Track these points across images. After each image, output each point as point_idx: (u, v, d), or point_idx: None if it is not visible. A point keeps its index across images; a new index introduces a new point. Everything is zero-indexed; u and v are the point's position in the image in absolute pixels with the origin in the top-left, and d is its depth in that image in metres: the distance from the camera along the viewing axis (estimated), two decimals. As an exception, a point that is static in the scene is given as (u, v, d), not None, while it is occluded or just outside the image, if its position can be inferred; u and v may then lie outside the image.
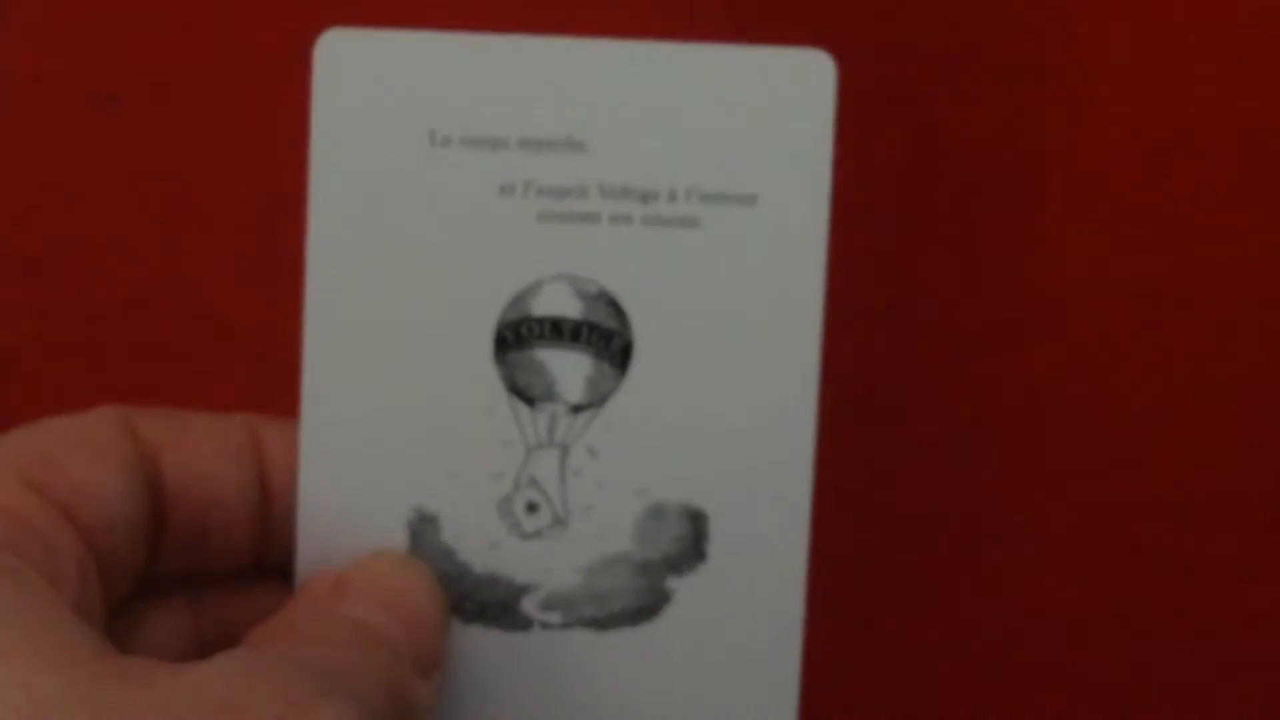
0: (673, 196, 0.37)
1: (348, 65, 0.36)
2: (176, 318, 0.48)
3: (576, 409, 0.37)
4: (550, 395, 0.37)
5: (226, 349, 0.47)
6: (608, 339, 0.37)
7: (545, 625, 0.38)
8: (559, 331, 0.37)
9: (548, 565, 0.38)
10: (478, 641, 0.38)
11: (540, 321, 0.37)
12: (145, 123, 0.47)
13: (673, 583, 0.38)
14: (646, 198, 0.37)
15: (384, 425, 0.37)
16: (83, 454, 0.35)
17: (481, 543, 0.37)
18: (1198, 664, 0.50)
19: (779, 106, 0.37)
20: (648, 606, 0.38)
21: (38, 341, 0.48)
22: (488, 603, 0.38)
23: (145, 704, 0.29)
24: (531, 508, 0.37)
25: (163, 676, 0.30)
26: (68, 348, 0.48)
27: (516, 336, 0.37)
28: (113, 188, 0.47)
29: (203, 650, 0.36)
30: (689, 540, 0.38)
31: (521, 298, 0.37)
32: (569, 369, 0.37)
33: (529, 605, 0.38)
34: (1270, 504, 0.49)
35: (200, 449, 0.36)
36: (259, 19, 0.47)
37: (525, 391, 0.37)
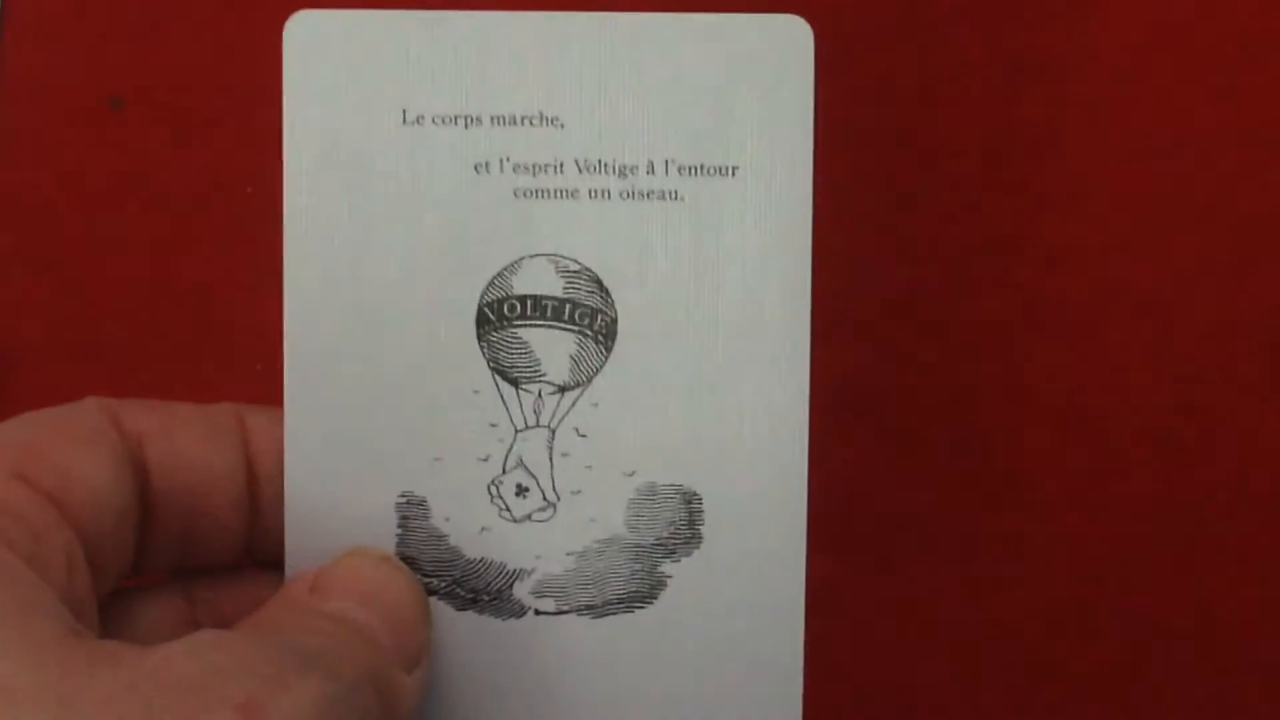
0: (651, 169, 0.36)
1: (317, 46, 0.36)
2: (177, 318, 0.48)
3: (562, 389, 0.37)
4: (535, 375, 0.37)
5: (228, 349, 0.47)
6: (591, 317, 0.36)
7: (539, 612, 0.37)
8: (541, 310, 0.36)
9: (539, 550, 0.37)
10: (472, 629, 0.37)
11: (522, 300, 0.36)
12: (149, 125, 0.47)
13: (668, 567, 0.37)
14: (624, 171, 0.36)
15: (368, 409, 0.36)
16: (68, 443, 0.35)
17: (471, 527, 0.37)
18: (1198, 664, 0.49)
19: (756, 74, 0.36)
20: (643, 592, 0.37)
21: (39, 341, 0.48)
22: (480, 589, 0.37)
23: (111, 685, 0.29)
24: (521, 491, 0.37)
25: (130, 657, 0.29)
26: (69, 348, 0.48)
27: (498, 316, 0.36)
28: (116, 190, 0.48)
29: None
30: (683, 523, 0.37)
31: (502, 276, 0.36)
32: (553, 348, 0.37)
33: (522, 591, 0.37)
34: (1270, 504, 0.48)
35: (185, 436, 0.36)
36: (261, 22, 0.47)
37: (509, 372, 0.37)
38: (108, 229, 0.48)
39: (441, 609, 0.37)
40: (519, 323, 0.36)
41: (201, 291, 0.48)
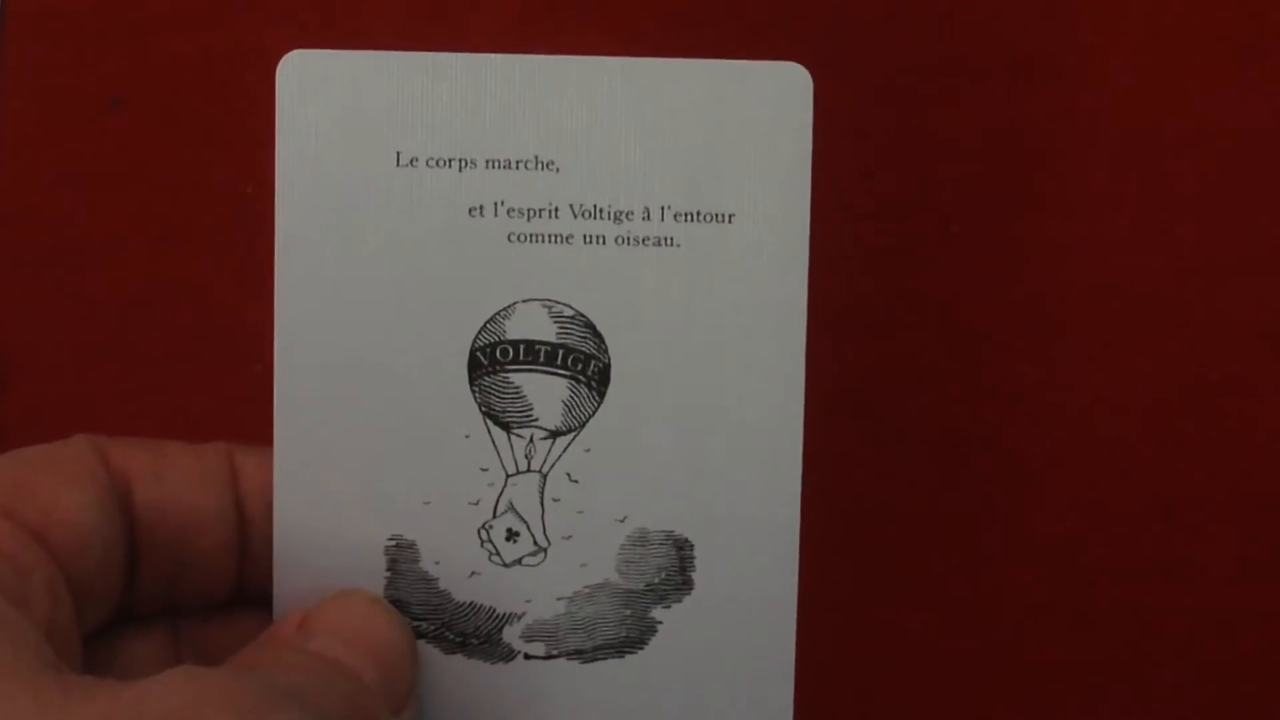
0: (647, 215, 0.36)
1: (310, 87, 0.35)
2: (177, 318, 0.47)
3: (554, 434, 0.36)
4: (527, 420, 0.36)
5: (227, 349, 0.47)
6: (584, 362, 0.36)
7: (529, 656, 0.37)
8: (534, 355, 0.36)
9: (529, 594, 0.37)
10: (461, 673, 0.37)
11: (514, 345, 0.36)
12: (149, 125, 0.47)
13: (659, 613, 0.37)
14: (620, 217, 0.36)
15: (359, 451, 0.36)
16: (54, 479, 0.35)
17: (461, 571, 0.37)
18: (1197, 664, 0.49)
19: (755, 121, 0.35)
20: (633, 638, 0.37)
21: (38, 342, 0.48)
22: (469, 633, 0.37)
23: (86, 718, 0.28)
24: (511, 536, 0.36)
25: (106, 691, 0.29)
26: (69, 348, 0.48)
27: (491, 360, 0.36)
28: (117, 190, 0.47)
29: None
30: (674, 569, 0.37)
31: (495, 321, 0.36)
32: (546, 393, 0.36)
33: (511, 635, 0.37)
34: (1270, 504, 0.48)
35: (174, 476, 0.36)
36: (263, 22, 0.47)
37: (501, 417, 0.36)
38: (107, 229, 0.47)
39: (430, 652, 0.37)
40: (511, 367, 0.36)
41: (201, 291, 0.48)
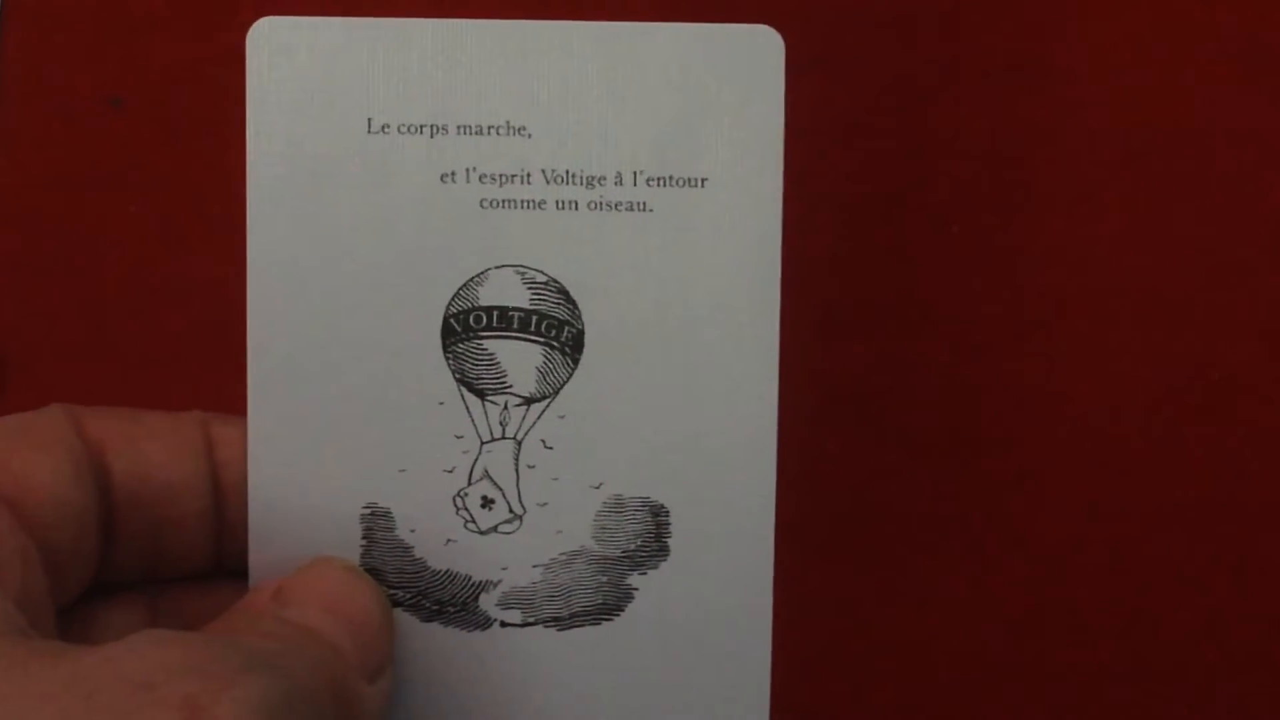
0: (619, 180, 0.36)
1: (281, 54, 0.36)
2: (177, 318, 0.47)
3: (528, 401, 0.36)
4: (501, 387, 0.36)
5: (227, 349, 0.47)
6: (558, 328, 0.36)
7: (505, 624, 0.37)
8: (507, 321, 0.36)
9: (505, 562, 0.37)
10: (437, 640, 0.37)
11: (488, 311, 0.36)
12: (149, 125, 0.47)
13: (635, 580, 0.37)
14: (592, 182, 0.36)
15: (333, 419, 0.36)
16: (27, 448, 0.35)
17: (437, 539, 0.37)
18: (1198, 664, 0.48)
19: (726, 85, 0.36)
20: (610, 604, 0.37)
21: (38, 341, 0.48)
22: (446, 600, 0.37)
23: (50, 682, 0.28)
24: (486, 503, 0.36)
25: (71, 655, 0.29)
26: (69, 348, 0.48)
27: (464, 327, 0.36)
28: (116, 190, 0.47)
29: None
30: (650, 535, 0.37)
31: (468, 287, 0.36)
32: (519, 360, 0.36)
33: (488, 603, 0.37)
34: (1270, 505, 0.47)
35: (149, 444, 0.36)
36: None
37: (475, 383, 0.36)
38: (108, 229, 0.48)
39: (407, 620, 0.37)
40: (485, 334, 0.36)
41: (201, 291, 0.48)
